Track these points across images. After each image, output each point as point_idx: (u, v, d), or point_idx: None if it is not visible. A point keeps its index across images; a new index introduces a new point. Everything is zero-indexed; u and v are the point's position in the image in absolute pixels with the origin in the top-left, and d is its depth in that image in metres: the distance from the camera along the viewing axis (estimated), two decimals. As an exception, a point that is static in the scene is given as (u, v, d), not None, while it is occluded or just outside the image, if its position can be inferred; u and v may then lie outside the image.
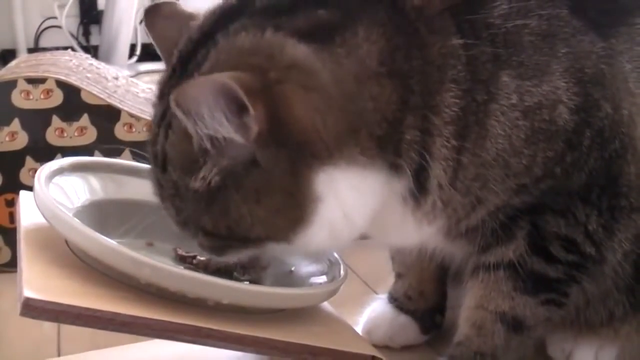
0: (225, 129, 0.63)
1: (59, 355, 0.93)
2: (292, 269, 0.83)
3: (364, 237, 0.81)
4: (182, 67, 0.69)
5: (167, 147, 0.69)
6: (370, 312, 0.95)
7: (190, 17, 0.75)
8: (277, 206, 0.66)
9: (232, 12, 0.70)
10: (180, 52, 0.71)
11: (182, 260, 0.79)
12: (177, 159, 0.69)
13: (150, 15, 0.78)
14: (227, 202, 0.67)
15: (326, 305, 0.83)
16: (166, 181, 0.70)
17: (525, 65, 0.69)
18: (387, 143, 0.68)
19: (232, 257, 0.74)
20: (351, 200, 0.68)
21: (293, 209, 0.66)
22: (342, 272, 0.80)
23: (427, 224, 0.73)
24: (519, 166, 0.70)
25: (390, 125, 0.67)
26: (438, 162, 0.69)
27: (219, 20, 0.70)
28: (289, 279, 0.81)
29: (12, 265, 1.16)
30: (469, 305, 0.78)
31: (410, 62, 0.67)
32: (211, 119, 0.62)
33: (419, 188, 0.70)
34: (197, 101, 0.61)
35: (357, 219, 0.70)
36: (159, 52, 0.77)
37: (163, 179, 0.71)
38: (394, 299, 0.94)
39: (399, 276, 0.94)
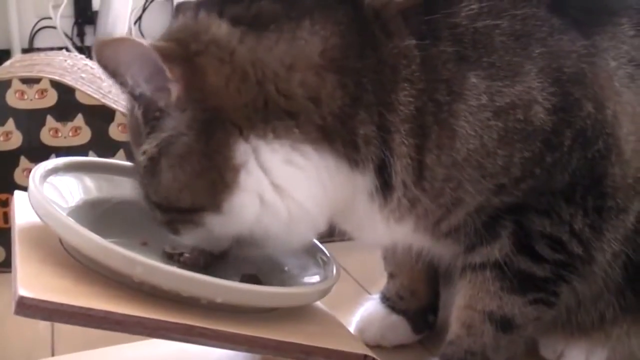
0: (146, 89, 0.68)
1: (52, 355, 0.93)
2: (286, 268, 0.83)
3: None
4: None
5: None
6: (363, 312, 0.96)
7: None
8: (197, 169, 0.69)
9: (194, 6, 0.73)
10: None
11: (170, 258, 0.80)
12: (130, 135, 0.75)
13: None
14: (159, 171, 0.70)
15: (319, 304, 0.83)
16: (133, 161, 0.76)
17: (496, 66, 0.69)
18: (335, 134, 0.69)
19: (187, 237, 0.75)
20: (287, 175, 0.70)
21: (211, 172, 0.69)
22: (334, 271, 0.80)
23: (394, 222, 0.74)
24: (495, 167, 0.70)
25: (336, 119, 0.69)
26: (399, 159, 0.70)
27: None
28: (282, 278, 0.81)
29: (6, 265, 1.16)
30: (459, 305, 0.79)
31: (363, 61, 0.68)
32: (130, 78, 0.67)
33: (384, 185, 0.71)
34: (115, 54, 0.66)
35: (303, 199, 0.71)
36: None
37: (134, 160, 0.76)
38: (386, 299, 0.95)
39: (391, 276, 0.94)
